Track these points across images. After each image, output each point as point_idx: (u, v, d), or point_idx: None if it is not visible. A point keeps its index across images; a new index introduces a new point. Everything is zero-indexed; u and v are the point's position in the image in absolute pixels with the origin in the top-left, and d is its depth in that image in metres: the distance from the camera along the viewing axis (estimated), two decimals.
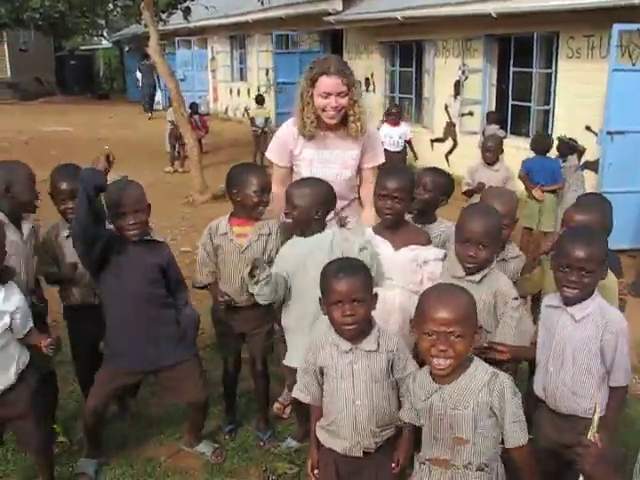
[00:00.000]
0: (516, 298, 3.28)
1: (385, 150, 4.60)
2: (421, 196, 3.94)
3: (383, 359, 2.92)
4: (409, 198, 3.66)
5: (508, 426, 2.60)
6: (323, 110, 4.05)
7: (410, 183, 3.70)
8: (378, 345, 2.91)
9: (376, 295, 2.92)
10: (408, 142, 11.42)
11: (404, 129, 11.33)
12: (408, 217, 3.85)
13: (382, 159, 4.40)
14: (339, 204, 3.96)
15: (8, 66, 32.34)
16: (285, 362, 3.78)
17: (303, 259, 3.56)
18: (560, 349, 3.02)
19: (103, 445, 4.05)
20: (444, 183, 4.07)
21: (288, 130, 4.25)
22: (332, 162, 4.19)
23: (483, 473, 2.67)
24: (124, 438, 4.29)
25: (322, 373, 3.00)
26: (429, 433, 2.72)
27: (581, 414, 2.97)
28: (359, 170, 4.33)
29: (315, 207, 3.56)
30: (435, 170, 4.22)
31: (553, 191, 7.77)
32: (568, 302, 2.99)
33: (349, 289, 2.83)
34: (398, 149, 11.12)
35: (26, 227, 3.87)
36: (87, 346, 4.14)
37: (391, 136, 10.98)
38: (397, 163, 10.09)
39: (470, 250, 3.22)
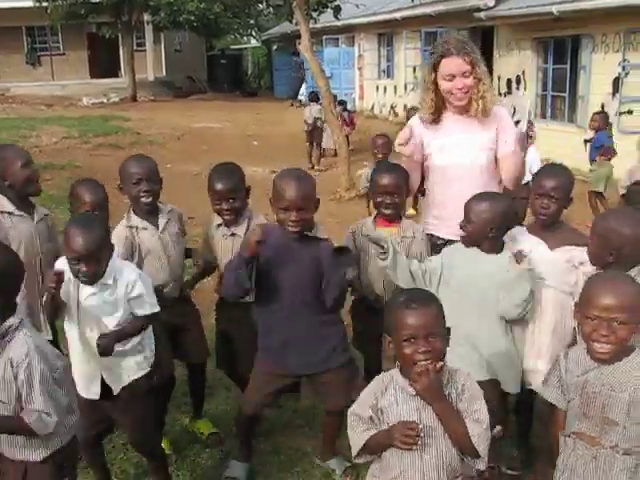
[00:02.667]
0: None
1: None
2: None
3: (452, 400, 2.58)
4: (566, 198, 3.54)
5: None
6: (450, 93, 3.91)
7: (569, 182, 3.57)
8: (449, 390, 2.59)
9: (449, 330, 2.61)
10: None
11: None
12: None
13: (515, 145, 3.98)
14: None
15: (164, 65, 33.96)
16: None
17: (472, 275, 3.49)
18: None
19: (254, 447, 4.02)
20: None
21: (417, 122, 4.13)
22: (464, 145, 3.97)
23: (630, 457, 2.63)
24: (272, 425, 4.34)
25: (379, 419, 2.62)
26: (579, 409, 2.69)
27: None
28: (496, 160, 4.05)
29: (489, 224, 3.44)
30: None
31: None
32: None
33: (425, 322, 2.51)
34: None
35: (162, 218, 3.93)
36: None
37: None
38: None
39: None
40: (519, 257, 3.38)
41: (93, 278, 3.13)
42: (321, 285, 3.46)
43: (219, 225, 4.03)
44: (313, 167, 13.88)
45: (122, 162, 3.95)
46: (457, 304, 3.29)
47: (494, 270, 3.45)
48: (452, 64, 3.85)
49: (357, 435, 2.61)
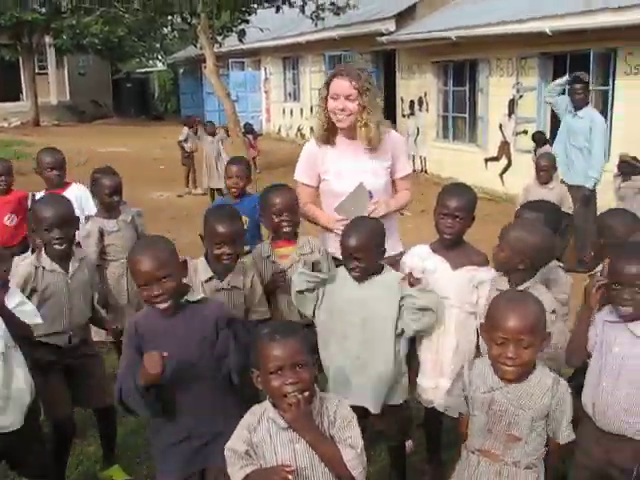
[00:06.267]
0: (553, 311, 3.19)
1: None
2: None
3: (324, 427, 2.54)
4: (470, 217, 3.60)
5: (566, 425, 2.73)
6: (333, 113, 3.99)
7: (472, 202, 3.63)
8: (321, 418, 2.54)
9: (318, 359, 2.60)
10: None
11: None
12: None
13: (410, 168, 4.32)
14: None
15: (67, 89, 33.23)
16: None
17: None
18: (617, 365, 2.90)
19: None
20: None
21: (312, 147, 4.20)
22: (360, 172, 4.04)
23: (530, 471, 2.75)
24: None
25: (255, 453, 2.53)
26: (484, 425, 2.76)
27: (630, 435, 2.87)
28: (393, 183, 4.25)
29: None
30: None
31: None
32: (626, 319, 2.89)
33: (290, 352, 2.45)
34: None
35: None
36: None
37: None
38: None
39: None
40: (414, 282, 3.43)
41: None
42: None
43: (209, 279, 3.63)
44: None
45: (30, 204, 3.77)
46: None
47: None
48: (339, 84, 3.94)
49: (235, 472, 2.51)
